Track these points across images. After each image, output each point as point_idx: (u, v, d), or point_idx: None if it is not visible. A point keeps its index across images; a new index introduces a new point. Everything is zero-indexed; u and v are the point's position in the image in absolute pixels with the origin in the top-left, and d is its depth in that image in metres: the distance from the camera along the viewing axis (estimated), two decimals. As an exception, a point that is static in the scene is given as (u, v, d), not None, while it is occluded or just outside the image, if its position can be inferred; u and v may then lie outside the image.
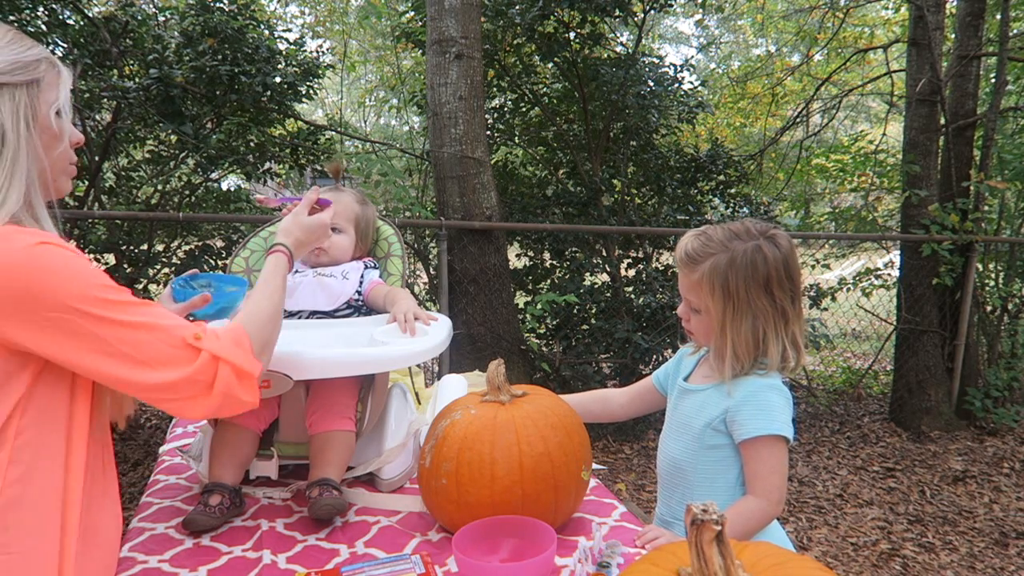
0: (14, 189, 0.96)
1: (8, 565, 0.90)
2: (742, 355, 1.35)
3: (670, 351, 4.75)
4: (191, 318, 1.28)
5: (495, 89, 5.38)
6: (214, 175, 4.36)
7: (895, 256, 5.28)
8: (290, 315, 1.72)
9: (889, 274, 5.17)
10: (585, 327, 4.83)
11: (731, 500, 1.36)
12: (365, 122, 9.44)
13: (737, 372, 1.36)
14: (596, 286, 4.91)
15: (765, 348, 1.34)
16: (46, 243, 0.91)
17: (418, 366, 2.23)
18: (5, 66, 0.98)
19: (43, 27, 3.65)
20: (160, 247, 4.12)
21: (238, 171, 4.24)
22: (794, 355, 1.37)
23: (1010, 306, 5.40)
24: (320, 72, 4.26)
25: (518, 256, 5.29)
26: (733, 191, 5.71)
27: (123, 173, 4.23)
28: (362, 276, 1.78)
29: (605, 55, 5.38)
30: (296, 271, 1.78)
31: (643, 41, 5.69)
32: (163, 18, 4.16)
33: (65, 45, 3.65)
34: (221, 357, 1.00)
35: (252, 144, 4.17)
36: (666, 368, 1.60)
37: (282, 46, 4.21)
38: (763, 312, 1.34)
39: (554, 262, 5.13)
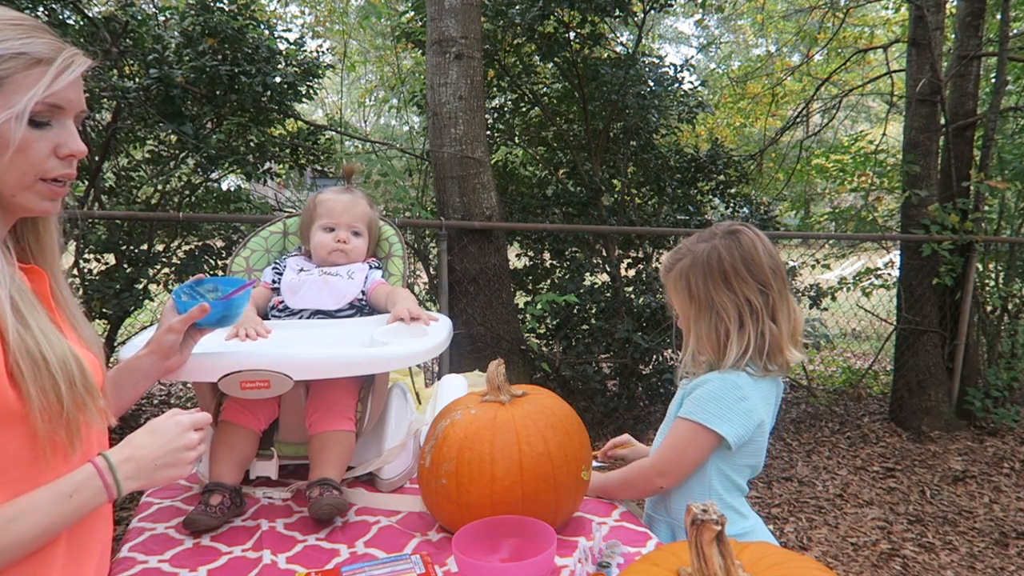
0: None
1: None
2: (707, 354, 1.40)
3: (670, 351, 4.75)
4: (195, 328, 1.28)
5: (495, 89, 5.38)
6: (214, 175, 4.35)
7: (895, 256, 5.27)
8: (293, 314, 1.72)
9: (889, 274, 5.17)
10: (585, 327, 4.82)
11: (707, 496, 1.39)
12: (365, 122, 9.44)
13: (695, 369, 1.43)
14: (596, 286, 4.90)
15: (727, 348, 1.37)
16: None
17: (418, 366, 2.23)
18: None
19: (43, 27, 3.64)
20: (160, 247, 4.11)
21: (238, 171, 4.23)
22: (776, 351, 1.37)
23: (1010, 306, 5.40)
24: (320, 72, 4.26)
25: (518, 256, 5.28)
26: (733, 191, 5.70)
27: (123, 173, 4.22)
28: (366, 276, 1.79)
29: (605, 55, 5.37)
30: (302, 269, 1.78)
31: (643, 41, 5.69)
32: (163, 18, 4.15)
33: (65, 45, 3.64)
34: None
35: (252, 144, 4.16)
36: None
37: (282, 46, 4.20)
38: (724, 310, 1.36)
39: (554, 262, 5.12)
